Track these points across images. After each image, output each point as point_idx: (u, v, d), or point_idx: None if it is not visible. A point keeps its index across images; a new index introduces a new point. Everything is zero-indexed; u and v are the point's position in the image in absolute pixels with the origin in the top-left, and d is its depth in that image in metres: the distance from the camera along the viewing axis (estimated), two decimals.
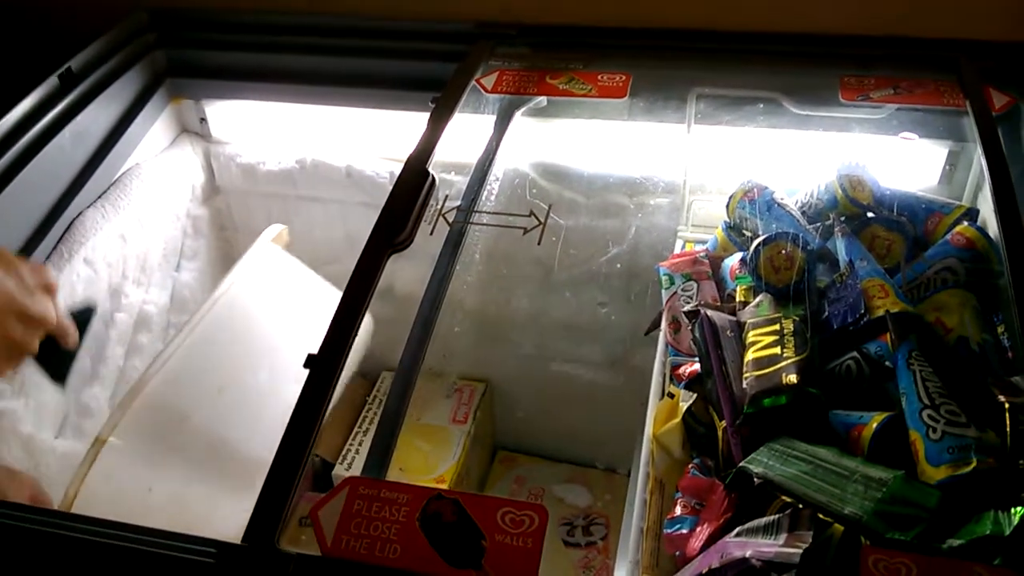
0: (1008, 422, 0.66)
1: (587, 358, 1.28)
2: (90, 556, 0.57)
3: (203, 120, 1.25)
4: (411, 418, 1.27)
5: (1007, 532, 0.58)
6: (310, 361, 0.67)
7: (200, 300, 1.28)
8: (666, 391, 0.87)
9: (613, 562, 1.26)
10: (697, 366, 0.85)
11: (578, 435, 1.41)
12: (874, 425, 0.69)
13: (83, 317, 0.84)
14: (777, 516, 0.63)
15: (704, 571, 0.62)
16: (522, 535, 0.57)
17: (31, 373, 0.96)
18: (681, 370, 0.87)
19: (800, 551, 0.58)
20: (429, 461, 1.22)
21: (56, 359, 0.83)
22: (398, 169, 1.21)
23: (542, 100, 0.99)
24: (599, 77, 0.95)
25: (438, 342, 0.80)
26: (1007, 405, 0.67)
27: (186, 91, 1.20)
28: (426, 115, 0.90)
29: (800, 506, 0.63)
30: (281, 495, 0.60)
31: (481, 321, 1.27)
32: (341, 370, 0.67)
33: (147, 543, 0.57)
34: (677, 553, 0.73)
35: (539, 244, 0.77)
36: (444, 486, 1.20)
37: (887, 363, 0.74)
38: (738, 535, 0.64)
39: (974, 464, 0.63)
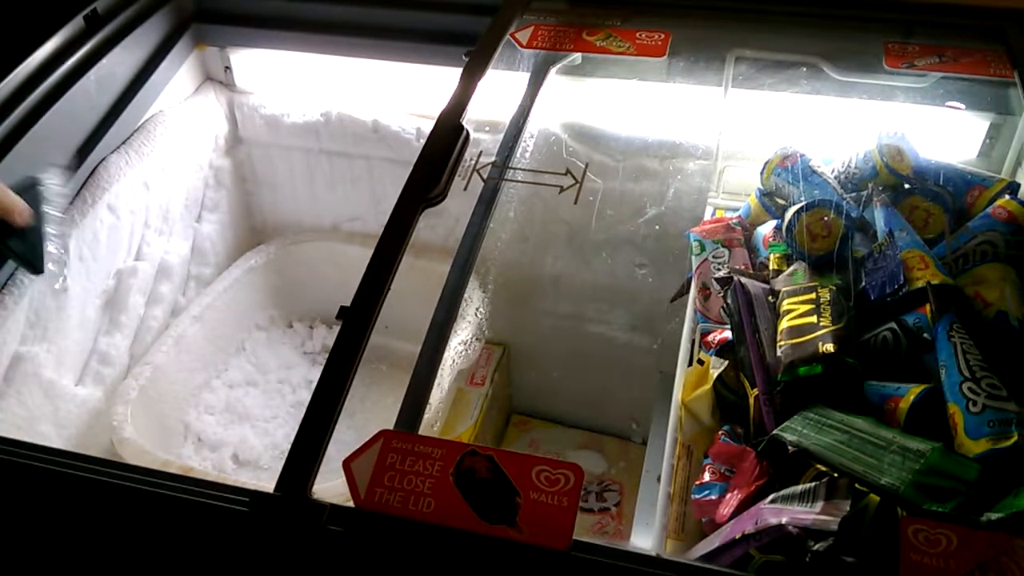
0: None
1: (607, 325, 1.27)
2: (126, 502, 0.57)
3: (228, 69, 1.22)
4: None
5: None
6: (343, 313, 0.66)
7: (220, 253, 1.28)
8: (695, 358, 0.86)
9: (627, 528, 1.26)
10: (727, 333, 0.84)
11: (594, 402, 1.40)
12: (911, 397, 0.68)
13: (29, 190, 0.81)
14: (813, 484, 0.62)
15: (738, 536, 0.62)
16: (557, 493, 0.56)
17: (53, 319, 0.96)
18: (710, 337, 0.86)
19: (838, 519, 0.58)
20: (447, 422, 1.22)
21: (23, 244, 0.80)
22: (425, 125, 1.21)
23: (577, 57, 0.97)
24: (637, 35, 0.93)
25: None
26: None
27: (211, 37, 1.18)
28: (455, 70, 0.87)
29: (836, 475, 0.62)
30: (314, 445, 0.59)
31: (502, 284, 1.26)
32: (374, 322, 0.66)
33: (182, 491, 0.56)
34: (704, 519, 0.72)
35: (575, 203, 0.75)
36: None
37: (925, 335, 0.73)
38: (773, 502, 0.63)
39: (1015, 438, 0.62)
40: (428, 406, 0.70)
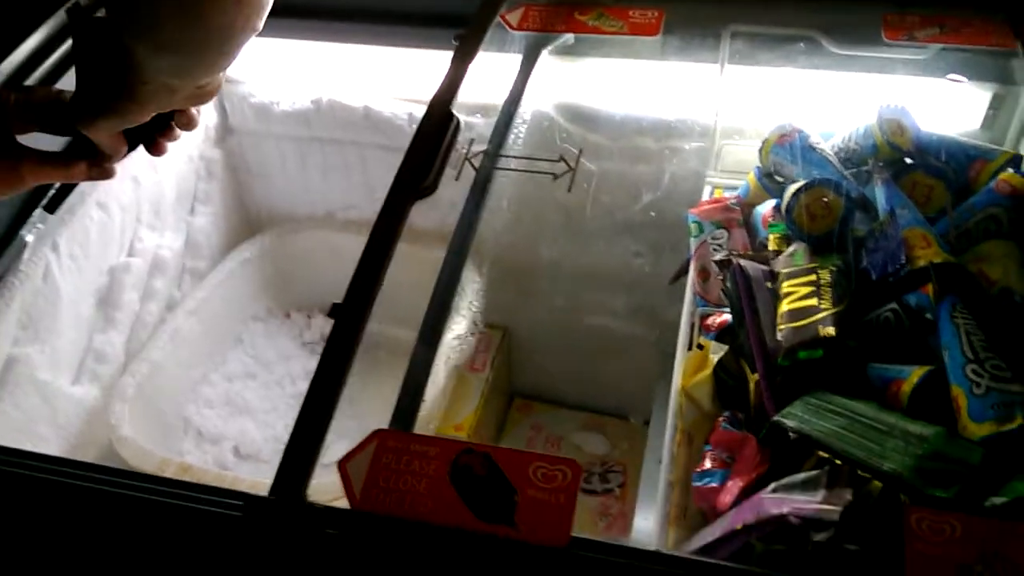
0: None
1: (607, 306, 1.26)
2: (117, 509, 0.56)
3: None
4: None
5: None
6: (335, 310, 0.65)
7: (214, 245, 1.27)
8: (695, 342, 0.85)
9: (630, 509, 1.26)
10: (726, 317, 0.83)
11: (596, 383, 1.40)
12: (914, 379, 0.67)
13: None
14: (815, 472, 0.61)
15: (739, 527, 0.61)
16: (555, 490, 0.56)
17: (46, 319, 0.95)
18: (710, 320, 0.85)
19: (839, 509, 0.57)
20: (448, 408, 1.21)
21: None
22: (417, 110, 1.19)
23: (570, 38, 0.95)
24: (630, 13, 0.91)
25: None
26: None
27: None
28: (447, 53, 0.85)
29: (838, 462, 0.62)
30: (309, 447, 0.58)
31: (499, 267, 1.25)
32: (367, 319, 0.65)
33: (174, 495, 0.56)
34: (704, 506, 0.72)
35: (569, 191, 0.74)
36: (463, 434, 1.19)
37: (928, 315, 0.71)
38: (774, 491, 0.62)
39: (1020, 420, 0.61)
40: (424, 401, 0.69)
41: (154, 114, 0.64)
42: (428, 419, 1.04)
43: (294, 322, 1.38)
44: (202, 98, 0.66)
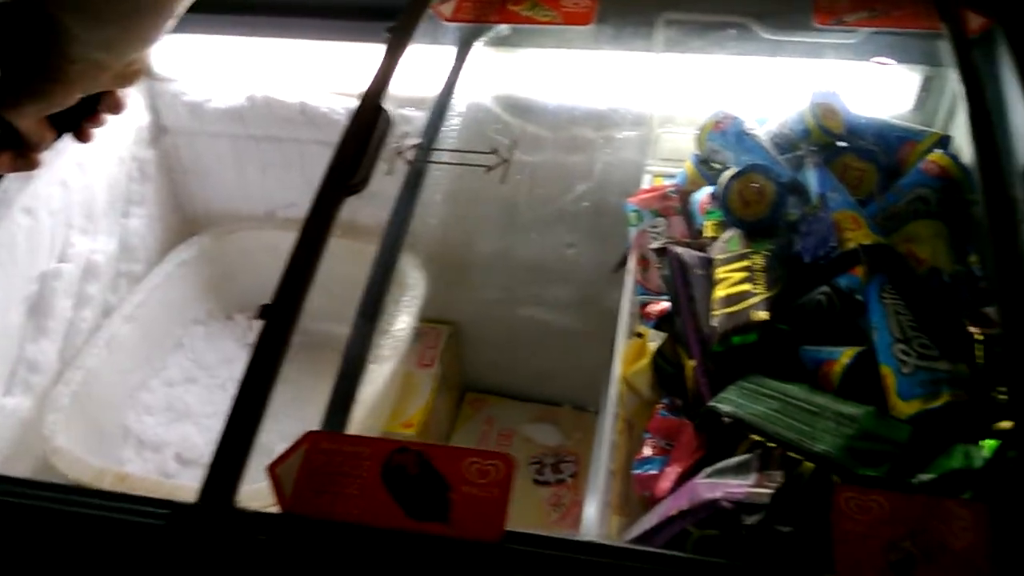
0: (979, 354, 0.66)
1: (553, 298, 1.26)
2: (34, 521, 0.54)
3: None
4: None
5: (977, 466, 0.58)
6: (264, 312, 0.64)
7: (151, 248, 1.24)
8: (634, 330, 0.86)
9: (583, 499, 1.26)
10: (665, 304, 0.83)
11: (547, 374, 1.40)
12: (844, 361, 0.68)
13: None
14: (747, 456, 0.62)
15: (674, 513, 0.62)
16: (488, 485, 0.55)
17: None
18: (649, 308, 0.85)
19: (771, 491, 0.58)
20: (397, 406, 1.20)
21: None
22: (354, 105, 1.17)
23: (503, 28, 0.94)
24: (563, 3, 0.90)
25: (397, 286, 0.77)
26: (979, 337, 0.67)
27: None
28: (381, 47, 0.84)
29: (770, 445, 0.62)
30: (238, 451, 0.57)
31: (443, 262, 1.24)
32: (296, 320, 0.63)
33: (97, 507, 0.54)
34: (646, 494, 0.72)
35: (502, 183, 0.73)
36: (412, 431, 1.18)
37: (858, 297, 0.72)
38: (708, 476, 0.63)
39: (946, 398, 0.62)
40: (362, 402, 0.68)
41: (80, 97, 0.62)
42: (370, 418, 1.02)
43: (236, 324, 1.35)
44: (129, 78, 0.64)
